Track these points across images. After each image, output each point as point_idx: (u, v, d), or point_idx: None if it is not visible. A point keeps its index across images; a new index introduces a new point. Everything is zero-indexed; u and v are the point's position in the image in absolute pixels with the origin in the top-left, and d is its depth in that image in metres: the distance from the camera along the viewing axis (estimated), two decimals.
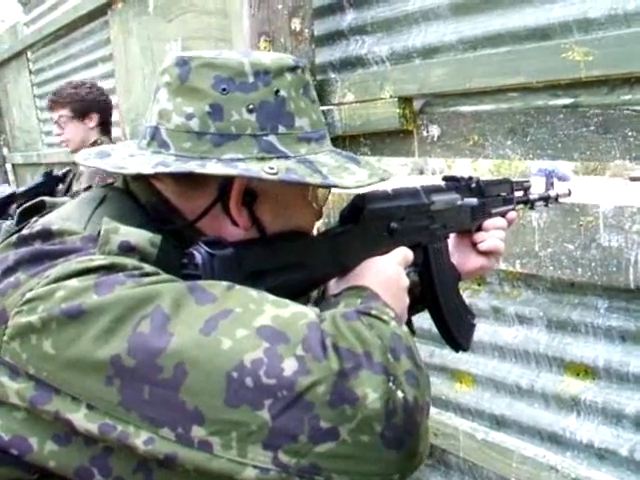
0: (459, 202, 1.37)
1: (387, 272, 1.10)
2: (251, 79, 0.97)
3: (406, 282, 1.13)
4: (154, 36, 3.74)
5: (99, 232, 0.88)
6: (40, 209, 1.06)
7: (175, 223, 1.00)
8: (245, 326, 0.79)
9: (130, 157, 1.00)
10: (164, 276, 0.86)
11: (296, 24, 2.35)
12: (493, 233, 1.44)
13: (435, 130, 2.28)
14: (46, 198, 1.07)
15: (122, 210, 0.98)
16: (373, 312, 0.89)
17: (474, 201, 1.40)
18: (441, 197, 1.31)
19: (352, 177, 1.01)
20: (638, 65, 1.71)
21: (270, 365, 0.76)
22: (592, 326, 2.01)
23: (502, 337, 2.27)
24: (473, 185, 1.42)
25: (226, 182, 0.98)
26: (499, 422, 2.30)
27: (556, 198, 1.81)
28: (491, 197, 1.46)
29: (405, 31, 2.34)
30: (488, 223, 1.44)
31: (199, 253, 0.90)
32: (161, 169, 0.94)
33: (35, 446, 0.79)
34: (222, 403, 0.75)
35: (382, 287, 1.05)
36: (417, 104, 2.32)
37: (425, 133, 2.31)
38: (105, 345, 0.77)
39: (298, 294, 0.99)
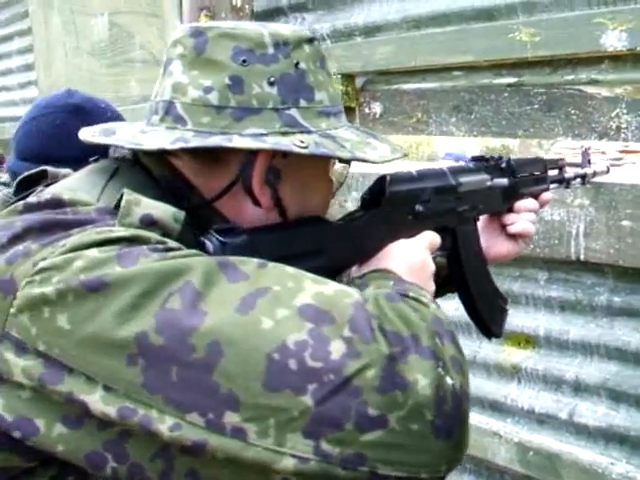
0: (488, 183, 1.30)
1: (412, 256, 1.05)
2: (271, 50, 0.94)
3: (432, 267, 1.08)
4: (77, 10, 3.64)
5: (117, 204, 0.84)
6: (41, 179, 1.01)
7: (191, 200, 0.95)
8: (285, 305, 0.75)
9: (142, 134, 0.95)
10: (191, 251, 0.81)
11: (237, 0, 2.34)
12: (524, 215, 1.37)
13: (378, 107, 2.32)
14: (48, 168, 1.02)
15: (136, 183, 0.92)
16: (411, 294, 0.86)
17: (504, 181, 1.34)
18: (469, 178, 1.26)
19: (375, 152, 0.99)
20: (581, 46, 1.79)
21: (316, 347, 0.72)
22: (532, 297, 2.09)
23: (444, 309, 2.32)
24: (503, 165, 1.36)
25: (249, 159, 0.94)
26: None
27: (593, 175, 1.71)
28: (523, 177, 1.40)
29: (347, 9, 2.37)
30: (519, 205, 1.37)
31: (210, 242, 0.88)
32: (180, 145, 0.90)
33: (42, 428, 0.74)
34: (261, 387, 0.70)
35: (407, 272, 1.01)
36: (359, 81, 2.36)
37: (367, 110, 2.35)
38: (129, 321, 0.72)
39: None
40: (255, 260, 0.81)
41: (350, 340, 0.73)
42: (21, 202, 0.88)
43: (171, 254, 0.78)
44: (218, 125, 0.92)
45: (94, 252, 0.76)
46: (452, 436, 0.75)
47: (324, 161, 1.02)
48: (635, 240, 1.81)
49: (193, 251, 0.82)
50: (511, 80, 1.99)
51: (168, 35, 3.00)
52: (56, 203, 0.86)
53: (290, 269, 0.81)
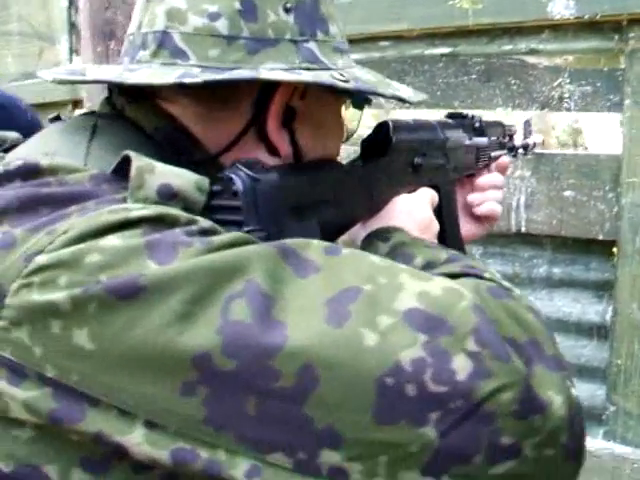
0: (467, 141, 1.21)
1: (420, 214, 0.98)
2: None
3: (437, 226, 1.01)
4: None
5: (115, 169, 0.68)
6: None
7: (193, 156, 0.79)
8: (387, 311, 0.59)
9: (129, 72, 0.77)
10: (236, 234, 0.65)
11: None
12: (490, 194, 1.24)
13: None
14: None
15: (125, 141, 0.74)
16: (499, 282, 0.71)
17: (484, 140, 1.25)
18: (454, 134, 1.18)
19: (406, 91, 0.89)
20: (526, 14, 1.78)
21: (437, 366, 0.57)
22: None
23: None
24: (477, 124, 1.27)
25: (263, 98, 0.80)
26: None
27: (534, 146, 1.70)
28: (491, 139, 1.31)
29: None
30: (485, 181, 1.25)
31: (239, 177, 0.70)
32: (189, 80, 0.73)
33: (55, 477, 0.59)
34: (370, 419, 0.56)
35: (417, 231, 0.92)
36: None
37: None
38: (181, 337, 0.56)
39: (331, 237, 0.83)
40: (316, 242, 0.65)
41: (477, 355, 0.58)
42: None
43: (217, 241, 0.62)
44: (228, 59, 0.77)
45: (113, 240, 0.59)
46: (580, 457, 0.63)
47: (339, 102, 0.91)
48: (578, 210, 1.82)
49: (240, 235, 0.65)
50: (445, 50, 1.94)
51: (51, 6, 2.75)
52: (31, 171, 0.67)
53: (372, 257, 0.67)
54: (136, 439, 0.57)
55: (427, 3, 1.88)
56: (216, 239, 0.62)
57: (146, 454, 0.57)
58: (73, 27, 2.84)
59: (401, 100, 0.88)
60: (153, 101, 0.81)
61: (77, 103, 2.78)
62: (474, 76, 1.90)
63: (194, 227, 0.63)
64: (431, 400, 0.57)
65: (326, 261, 0.63)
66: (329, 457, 0.56)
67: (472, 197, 1.23)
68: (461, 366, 0.57)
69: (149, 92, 0.80)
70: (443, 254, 0.81)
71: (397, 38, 2.00)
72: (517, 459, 0.58)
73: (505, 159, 1.33)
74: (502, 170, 1.31)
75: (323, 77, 0.79)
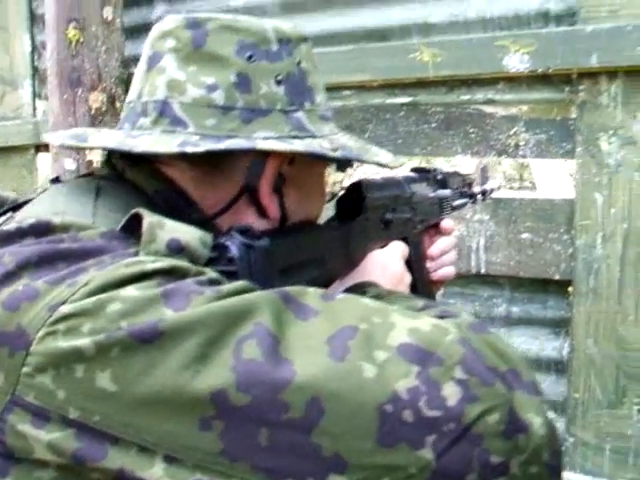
0: (432, 194, 1.30)
1: (392, 268, 1.04)
2: (275, 47, 0.87)
3: (409, 278, 1.07)
4: None
5: (123, 227, 0.73)
6: None
7: (190, 217, 0.82)
8: (382, 346, 0.65)
9: (131, 138, 0.83)
10: (242, 283, 0.70)
11: (108, 13, 2.20)
12: (441, 261, 1.30)
13: None
14: None
15: (128, 203, 0.79)
16: (465, 316, 0.78)
17: (447, 192, 1.34)
18: (418, 188, 1.25)
19: (385, 157, 0.96)
20: (484, 67, 1.87)
21: (430, 393, 0.63)
22: None
23: None
24: (439, 177, 1.36)
25: (257, 165, 0.85)
26: None
27: (491, 192, 1.76)
28: (452, 189, 1.41)
29: None
30: (434, 251, 1.30)
31: (234, 245, 0.75)
32: (190, 149, 0.78)
33: None
34: (373, 444, 0.61)
35: (389, 284, 0.99)
36: None
37: None
38: (198, 377, 0.60)
39: None
40: (311, 290, 0.71)
41: (464, 382, 0.64)
42: None
43: (225, 289, 0.67)
44: (225, 128, 0.83)
45: (131, 291, 0.64)
46: (560, 474, 0.70)
47: (323, 167, 0.97)
48: (535, 251, 1.91)
49: (244, 283, 0.70)
50: (406, 100, 2.03)
51: (14, 50, 2.77)
52: (44, 229, 0.72)
53: (364, 300, 0.73)
54: (157, 474, 0.60)
55: (388, 55, 1.96)
56: (224, 287, 0.67)
57: None
58: (36, 71, 2.87)
59: (383, 166, 0.94)
60: (153, 165, 0.86)
61: (39, 147, 2.80)
62: (434, 125, 1.99)
63: (203, 277, 0.68)
64: (427, 424, 0.62)
65: (323, 306, 0.69)
66: None
67: (428, 265, 1.30)
68: (451, 392, 0.63)
69: (149, 157, 0.85)
70: (419, 303, 0.87)
71: (360, 88, 2.07)
72: (506, 476, 0.64)
73: (449, 222, 1.38)
74: (448, 232, 1.37)
75: (314, 146, 0.85)
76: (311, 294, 0.70)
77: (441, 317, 0.76)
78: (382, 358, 0.64)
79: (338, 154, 0.86)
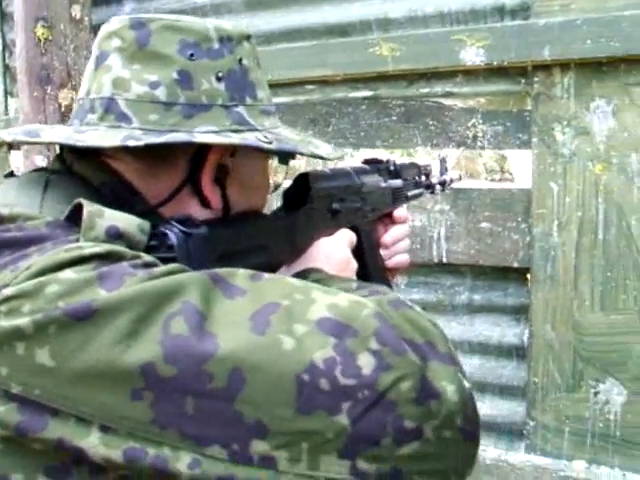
0: (383, 184, 1.34)
1: (338, 255, 1.08)
2: (216, 45, 0.90)
3: (355, 265, 1.11)
4: None
5: (68, 216, 0.76)
6: None
7: (134, 207, 0.85)
8: (302, 320, 0.69)
9: (78, 133, 0.86)
10: (174, 265, 0.74)
11: (76, 11, 2.23)
12: (395, 249, 1.35)
13: None
14: None
15: (75, 194, 0.82)
16: (401, 299, 0.82)
17: (399, 182, 1.37)
18: (369, 179, 1.29)
19: (324, 149, 0.99)
20: (441, 61, 1.92)
21: (345, 363, 0.67)
22: None
23: None
24: (392, 168, 1.40)
25: (198, 157, 0.89)
26: None
27: (450, 182, 1.78)
28: (406, 180, 1.44)
29: None
30: (387, 239, 1.34)
31: (173, 233, 0.80)
32: (132, 143, 0.82)
33: None
34: (292, 411, 0.65)
35: (335, 270, 1.02)
36: None
37: None
38: (128, 351, 0.64)
39: None
40: (242, 271, 0.75)
41: (378, 353, 0.69)
42: None
43: (157, 271, 0.71)
44: (167, 123, 0.86)
45: (69, 274, 0.67)
46: (476, 438, 0.75)
47: (265, 159, 1.01)
48: (494, 240, 1.95)
49: (177, 265, 0.74)
50: (367, 93, 2.07)
51: None
52: None
53: (290, 279, 0.78)
54: (93, 442, 0.64)
55: (349, 50, 2.00)
56: (157, 269, 0.71)
57: (101, 455, 0.64)
58: (7, 69, 2.89)
59: (320, 157, 0.98)
60: (99, 158, 0.89)
61: (12, 145, 2.82)
62: (394, 118, 2.03)
63: (138, 261, 0.72)
64: (342, 392, 0.66)
65: (251, 285, 0.73)
66: (259, 447, 0.65)
67: (382, 253, 1.34)
68: (366, 362, 0.68)
69: (96, 150, 0.88)
70: (354, 284, 0.92)
71: (322, 82, 2.12)
72: (420, 440, 0.68)
73: (402, 211, 1.40)
74: (402, 221, 1.40)
75: (249, 139, 0.88)
76: (240, 275, 0.74)
77: (371, 295, 0.81)
78: (301, 331, 0.68)
79: (273, 146, 0.90)
